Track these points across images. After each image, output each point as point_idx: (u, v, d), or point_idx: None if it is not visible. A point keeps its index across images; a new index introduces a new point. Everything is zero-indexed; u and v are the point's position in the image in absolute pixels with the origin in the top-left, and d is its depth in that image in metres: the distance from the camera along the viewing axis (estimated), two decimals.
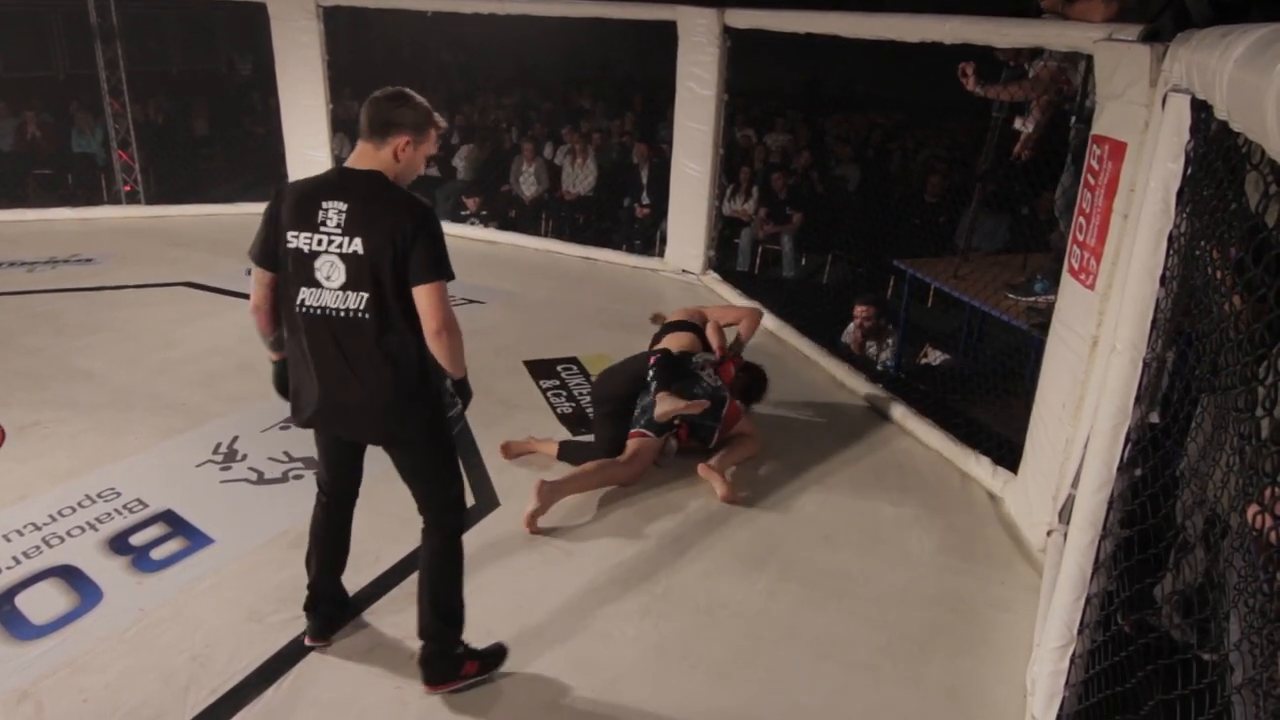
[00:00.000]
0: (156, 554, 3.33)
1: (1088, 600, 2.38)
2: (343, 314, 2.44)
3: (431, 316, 2.39)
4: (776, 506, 3.84)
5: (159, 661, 2.79)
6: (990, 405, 4.69)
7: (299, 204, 2.45)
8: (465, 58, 14.24)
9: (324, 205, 2.41)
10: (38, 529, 3.44)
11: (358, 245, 2.39)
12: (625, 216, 8.27)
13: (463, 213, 8.63)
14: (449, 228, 8.16)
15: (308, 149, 8.46)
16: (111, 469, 3.90)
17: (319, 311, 2.46)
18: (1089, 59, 3.43)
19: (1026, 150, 4.67)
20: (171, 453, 4.07)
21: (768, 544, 3.57)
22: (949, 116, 9.09)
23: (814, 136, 9.48)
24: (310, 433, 2.73)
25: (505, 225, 8.46)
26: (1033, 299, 4.54)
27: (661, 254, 7.37)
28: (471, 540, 3.48)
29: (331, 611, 2.93)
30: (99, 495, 3.69)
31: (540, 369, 5.16)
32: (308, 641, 2.88)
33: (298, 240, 2.44)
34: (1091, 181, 3.25)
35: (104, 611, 3.02)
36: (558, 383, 4.98)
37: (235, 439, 4.19)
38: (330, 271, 2.42)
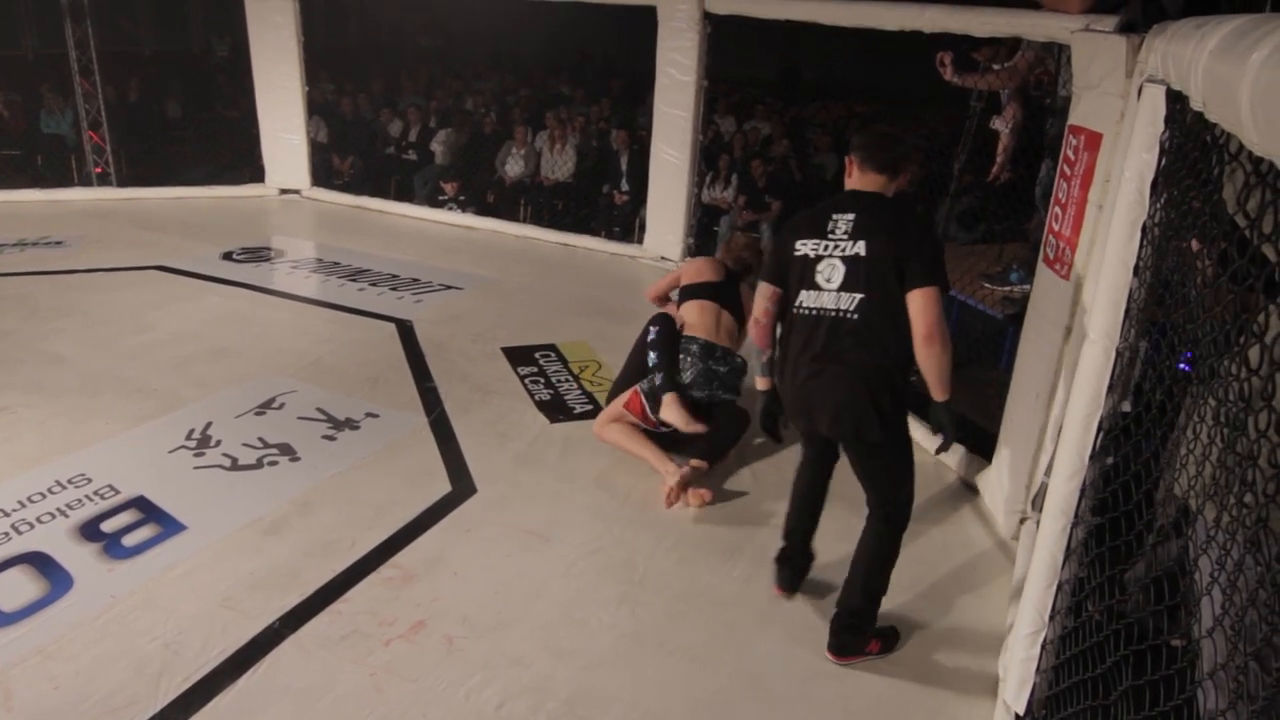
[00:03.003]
0: (128, 541, 3.30)
1: (1059, 587, 2.41)
2: (835, 314, 2.65)
3: (921, 321, 2.55)
4: (752, 494, 3.86)
5: (131, 649, 2.76)
6: (965, 393, 4.72)
7: (810, 218, 2.74)
8: (443, 42, 14.09)
9: (833, 217, 2.69)
10: (6, 515, 3.39)
11: (860, 249, 2.62)
12: (604, 203, 8.23)
13: (440, 197, 8.57)
14: (426, 212, 8.22)
15: (283, 132, 8.37)
16: (82, 455, 3.85)
17: (815, 312, 2.67)
18: (1066, 49, 3.44)
19: (1004, 173, 4.71)
20: (143, 438, 4.03)
21: (743, 532, 3.58)
22: (928, 106, 9.09)
23: (793, 124, 9.45)
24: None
25: (483, 210, 8.41)
26: (1008, 288, 4.58)
27: (640, 241, 7.36)
28: (449, 526, 3.50)
29: (803, 564, 3.18)
30: (69, 481, 3.64)
31: (518, 356, 5.14)
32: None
33: (805, 248, 2.70)
34: (1067, 172, 3.27)
35: (75, 599, 2.98)
36: (535, 369, 4.96)
37: (208, 425, 4.14)
38: (831, 274, 2.66)
